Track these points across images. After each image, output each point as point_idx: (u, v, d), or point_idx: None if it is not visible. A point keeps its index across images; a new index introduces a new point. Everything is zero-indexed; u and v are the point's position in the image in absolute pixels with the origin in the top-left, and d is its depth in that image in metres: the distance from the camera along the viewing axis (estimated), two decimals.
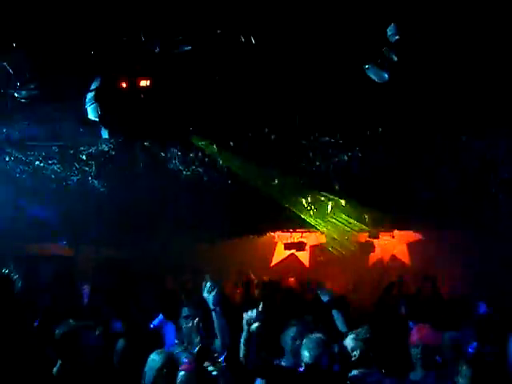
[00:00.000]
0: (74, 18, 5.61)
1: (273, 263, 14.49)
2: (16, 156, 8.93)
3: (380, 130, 7.68)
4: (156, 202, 10.32)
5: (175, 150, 8.66)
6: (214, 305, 5.08)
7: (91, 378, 4.36)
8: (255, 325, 4.43)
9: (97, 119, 5.77)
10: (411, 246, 13.70)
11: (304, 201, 10.96)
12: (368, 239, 13.10)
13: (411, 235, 13.54)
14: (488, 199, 9.65)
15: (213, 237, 12.25)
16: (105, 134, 6.74)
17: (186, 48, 5.89)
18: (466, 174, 9.00)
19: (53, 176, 9.63)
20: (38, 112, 7.19)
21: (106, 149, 8.72)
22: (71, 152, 8.94)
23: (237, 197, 10.18)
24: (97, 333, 4.78)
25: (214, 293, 5.09)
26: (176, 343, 5.78)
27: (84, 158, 9.06)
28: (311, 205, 11.11)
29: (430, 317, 7.64)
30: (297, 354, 4.84)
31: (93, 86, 5.73)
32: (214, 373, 4.51)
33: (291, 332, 5.17)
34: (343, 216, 11.52)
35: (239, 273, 12.15)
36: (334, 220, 11.63)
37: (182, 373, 4.42)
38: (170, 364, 4.54)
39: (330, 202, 11.03)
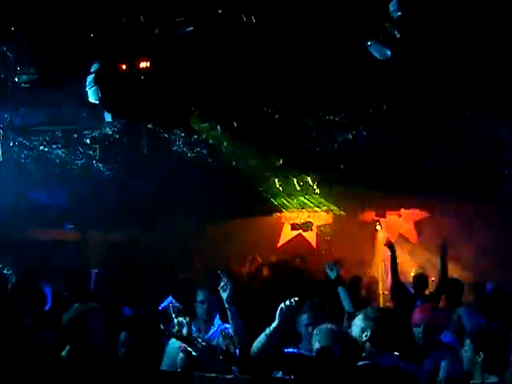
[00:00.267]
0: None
1: (280, 244, 14.49)
2: (20, 141, 8.93)
3: (384, 107, 7.61)
4: (161, 185, 10.32)
5: (178, 132, 8.63)
6: (227, 302, 5.08)
7: (100, 361, 4.40)
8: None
9: (97, 102, 5.74)
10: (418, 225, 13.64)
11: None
12: (374, 218, 13.07)
13: (418, 213, 13.48)
14: (496, 176, 9.61)
15: (218, 218, 12.26)
16: (108, 117, 6.72)
17: (188, 29, 5.83)
18: (471, 150, 8.94)
19: (57, 160, 9.65)
20: (40, 96, 7.17)
21: (110, 132, 8.71)
22: (75, 136, 8.94)
23: (241, 178, 10.17)
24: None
25: (226, 292, 5.09)
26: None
27: (88, 141, 9.05)
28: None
29: (438, 296, 7.66)
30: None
31: (92, 69, 5.69)
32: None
33: (304, 319, 5.17)
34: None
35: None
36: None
37: (180, 354, 4.72)
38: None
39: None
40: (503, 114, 7.77)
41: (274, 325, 4.50)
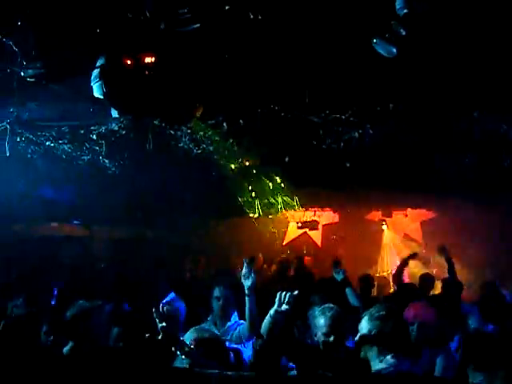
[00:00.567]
0: None
1: (285, 242, 14.49)
2: (27, 136, 8.96)
3: (391, 105, 7.59)
4: (167, 182, 10.33)
5: (184, 129, 8.64)
6: (249, 290, 5.09)
7: (102, 356, 4.41)
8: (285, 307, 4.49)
9: (101, 97, 5.74)
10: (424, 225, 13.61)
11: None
12: (380, 218, 13.06)
13: (425, 213, 13.45)
14: (504, 176, 9.55)
15: (222, 215, 12.27)
16: (114, 113, 6.71)
17: (195, 26, 5.82)
18: (479, 149, 8.89)
19: (64, 156, 9.67)
20: (47, 92, 7.19)
21: (116, 128, 8.72)
22: (82, 132, 8.95)
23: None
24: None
25: (249, 280, 5.09)
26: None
27: (94, 137, 9.06)
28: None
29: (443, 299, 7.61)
30: None
31: (97, 64, 5.69)
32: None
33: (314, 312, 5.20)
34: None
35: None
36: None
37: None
38: None
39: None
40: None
41: (274, 307, 4.57)
